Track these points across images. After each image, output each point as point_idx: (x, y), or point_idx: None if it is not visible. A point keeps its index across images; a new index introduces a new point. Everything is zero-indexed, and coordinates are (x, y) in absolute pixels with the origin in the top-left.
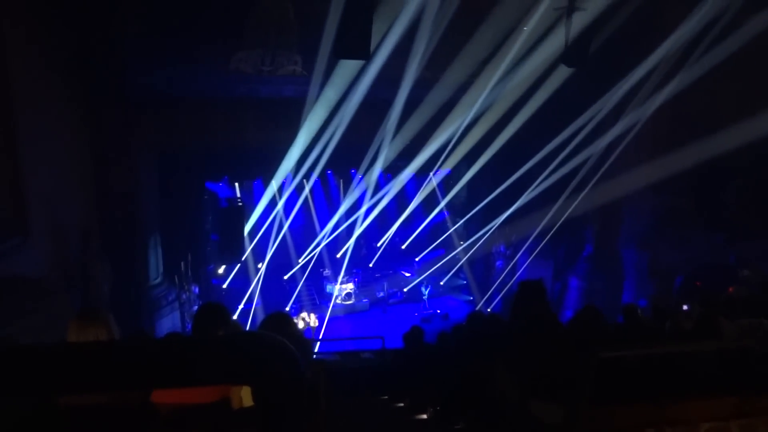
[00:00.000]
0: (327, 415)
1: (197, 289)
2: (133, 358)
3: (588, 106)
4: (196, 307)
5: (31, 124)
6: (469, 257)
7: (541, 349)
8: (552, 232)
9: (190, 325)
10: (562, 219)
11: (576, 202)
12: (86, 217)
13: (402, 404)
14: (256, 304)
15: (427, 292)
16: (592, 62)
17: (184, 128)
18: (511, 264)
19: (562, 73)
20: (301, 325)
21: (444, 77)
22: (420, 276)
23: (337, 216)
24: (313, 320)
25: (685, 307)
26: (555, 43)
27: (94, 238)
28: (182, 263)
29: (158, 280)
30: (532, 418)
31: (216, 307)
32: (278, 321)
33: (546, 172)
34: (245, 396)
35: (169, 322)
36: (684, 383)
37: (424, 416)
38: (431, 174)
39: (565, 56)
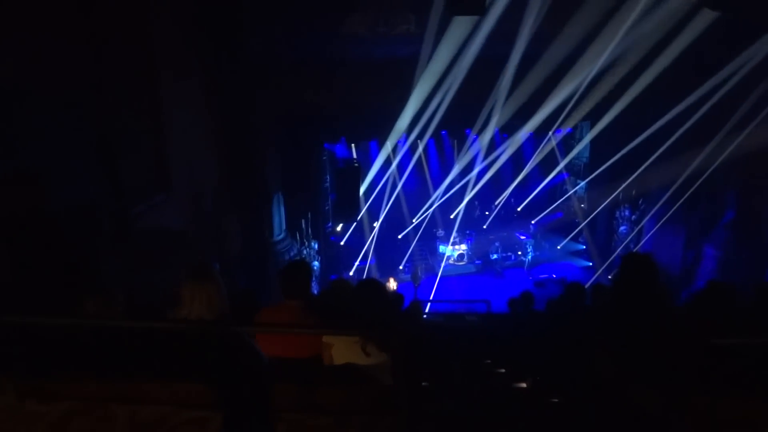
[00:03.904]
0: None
1: (317, 245)
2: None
3: (734, 55)
4: (316, 263)
5: (170, 91)
6: (589, 221)
7: (645, 331)
8: (686, 195)
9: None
10: (699, 182)
11: (717, 164)
12: (218, 177)
13: (503, 370)
14: (370, 262)
15: (528, 258)
16: (742, 3)
17: (302, 91)
18: (637, 229)
19: (705, 18)
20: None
21: (565, 30)
22: (536, 239)
23: (450, 176)
24: (393, 284)
25: None
26: None
27: (225, 196)
28: (303, 221)
29: (281, 236)
30: (630, 402)
31: (300, 266)
32: (372, 289)
33: (680, 131)
34: (336, 355)
35: None
36: None
37: (524, 385)
38: (550, 133)
39: None
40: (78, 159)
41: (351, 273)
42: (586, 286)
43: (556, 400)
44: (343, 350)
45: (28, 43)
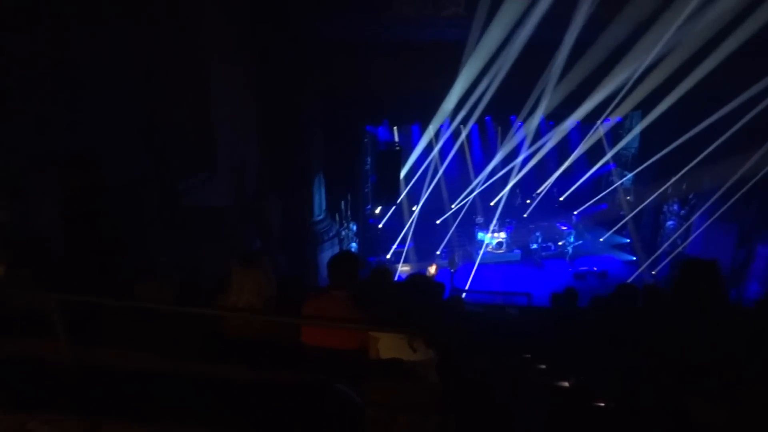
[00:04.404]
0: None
1: (355, 227)
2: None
3: None
4: (354, 244)
5: (216, 71)
6: (635, 214)
7: (707, 341)
8: (741, 192)
9: None
10: (756, 178)
11: None
12: (260, 157)
13: (543, 366)
14: (408, 245)
15: (570, 250)
16: None
17: (347, 73)
18: (686, 225)
19: None
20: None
21: (621, 15)
22: (578, 230)
23: (493, 163)
24: (433, 270)
25: None
26: None
27: (266, 176)
28: (342, 202)
29: (321, 217)
30: (687, 414)
31: (348, 257)
32: (420, 285)
33: (738, 125)
34: (382, 349)
35: (329, 255)
36: None
37: (566, 384)
38: (599, 122)
39: None
40: (128, 136)
41: (388, 256)
42: (629, 280)
43: (602, 404)
44: (389, 345)
45: (85, 25)
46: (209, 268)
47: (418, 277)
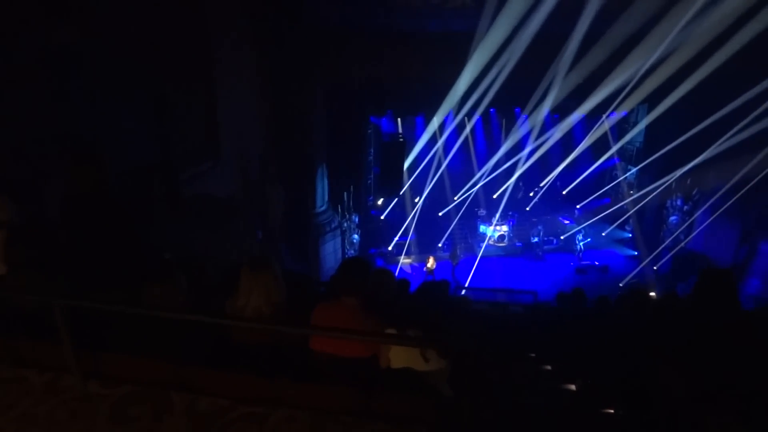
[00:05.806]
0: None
1: (357, 219)
2: None
3: None
4: (356, 236)
5: (222, 60)
6: (638, 209)
7: (723, 354)
8: (746, 188)
9: (350, 252)
10: (760, 176)
11: None
12: (265, 147)
13: (549, 367)
14: (410, 237)
15: (581, 242)
16: None
17: (352, 62)
18: (689, 221)
19: None
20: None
21: (631, 8)
22: (580, 224)
23: (496, 156)
24: (432, 263)
25: None
26: None
27: (271, 166)
28: (345, 194)
29: (323, 208)
30: (702, 427)
31: (359, 263)
32: (434, 293)
33: (746, 121)
34: (393, 358)
35: (331, 247)
36: None
37: (572, 387)
38: (604, 116)
39: None
40: (133, 124)
41: (390, 248)
42: (631, 275)
43: (611, 411)
44: (401, 353)
45: (91, 10)
46: (211, 260)
47: (429, 285)
